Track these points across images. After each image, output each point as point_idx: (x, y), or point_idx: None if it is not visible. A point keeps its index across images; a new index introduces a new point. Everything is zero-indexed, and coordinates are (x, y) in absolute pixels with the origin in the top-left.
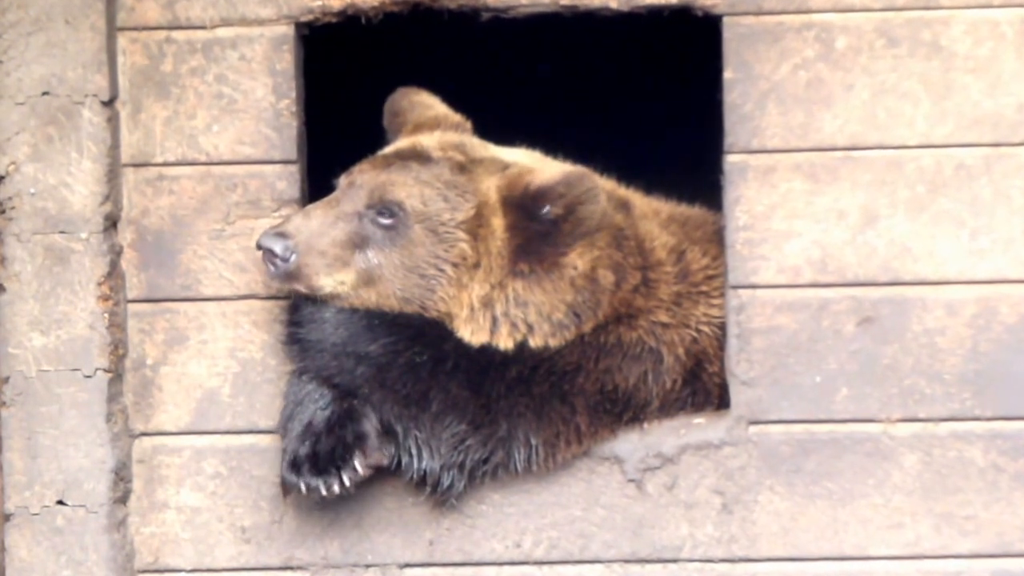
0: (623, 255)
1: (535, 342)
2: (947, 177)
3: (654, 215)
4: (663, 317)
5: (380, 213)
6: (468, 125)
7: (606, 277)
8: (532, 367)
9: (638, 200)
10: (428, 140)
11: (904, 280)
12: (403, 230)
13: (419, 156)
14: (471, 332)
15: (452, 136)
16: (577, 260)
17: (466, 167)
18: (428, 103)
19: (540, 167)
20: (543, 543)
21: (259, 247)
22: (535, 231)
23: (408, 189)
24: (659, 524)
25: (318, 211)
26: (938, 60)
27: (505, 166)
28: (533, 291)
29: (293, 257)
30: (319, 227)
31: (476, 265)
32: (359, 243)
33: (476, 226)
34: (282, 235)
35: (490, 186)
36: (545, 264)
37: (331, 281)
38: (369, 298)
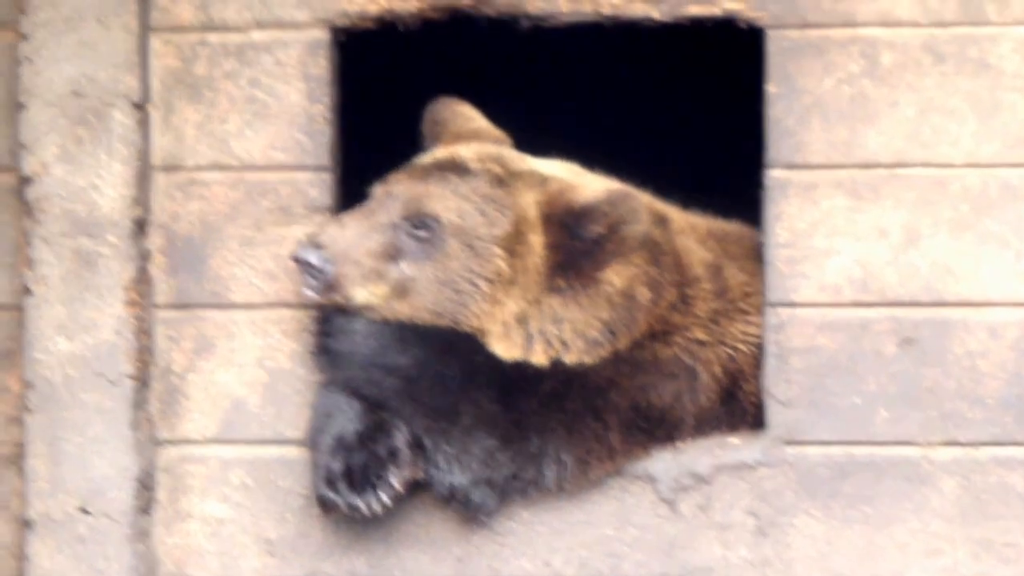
0: (660, 271)
1: (569, 359)
2: (992, 197)
3: (692, 230)
4: (699, 334)
5: (415, 225)
6: (507, 140)
7: (643, 294)
8: (564, 382)
9: (675, 215)
10: (466, 151)
11: (946, 301)
12: (438, 243)
13: (457, 167)
14: (505, 348)
15: (491, 148)
16: (614, 277)
17: (504, 180)
18: (469, 115)
19: (580, 183)
20: (573, 562)
21: (295, 259)
22: (575, 248)
23: (445, 202)
24: (692, 545)
25: (353, 221)
26: (985, 78)
27: (544, 180)
28: (569, 308)
29: (330, 268)
30: (354, 238)
31: (512, 281)
32: (394, 255)
33: (514, 242)
34: (318, 246)
35: (529, 201)
36: (582, 280)
37: (365, 293)
38: (402, 311)
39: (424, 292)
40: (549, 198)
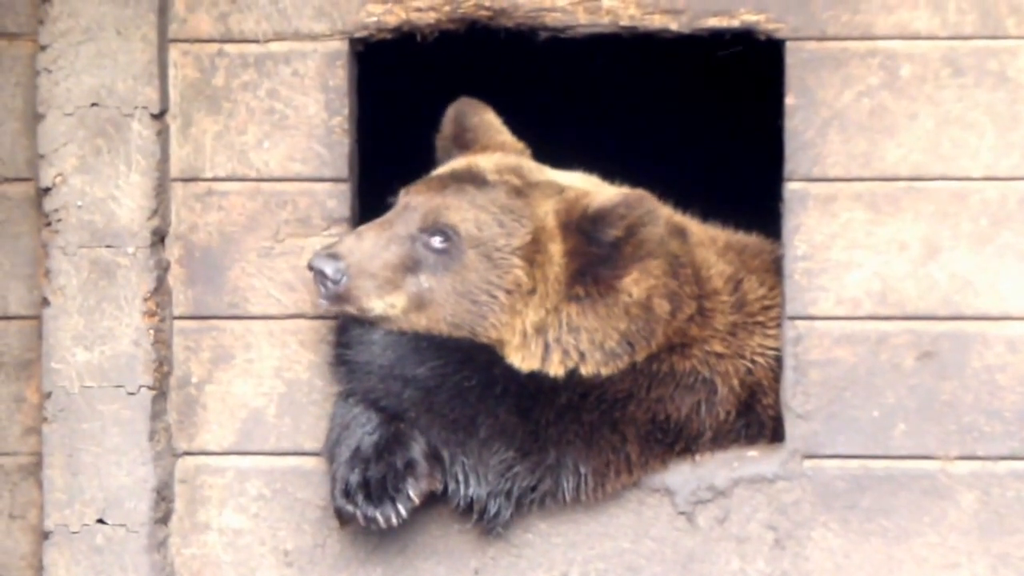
0: (679, 284)
1: (586, 370)
2: (1011, 210)
3: (711, 243)
4: (718, 347)
5: (433, 237)
6: (527, 151)
7: (661, 306)
8: (582, 394)
9: (695, 227)
10: (485, 162)
11: (965, 315)
12: (456, 255)
13: (475, 179)
14: (522, 359)
15: (509, 158)
16: (632, 287)
17: (523, 191)
18: (497, 127)
19: (597, 191)
20: (590, 575)
21: (310, 268)
22: (594, 255)
23: (463, 213)
24: (709, 558)
25: (371, 232)
26: (1004, 91)
27: (561, 189)
28: (587, 316)
29: (344, 279)
30: (371, 249)
31: (531, 292)
32: (411, 266)
33: (532, 252)
34: (334, 256)
35: (547, 211)
36: (600, 288)
37: (381, 304)
38: (419, 322)
39: (442, 304)
40: (566, 205)
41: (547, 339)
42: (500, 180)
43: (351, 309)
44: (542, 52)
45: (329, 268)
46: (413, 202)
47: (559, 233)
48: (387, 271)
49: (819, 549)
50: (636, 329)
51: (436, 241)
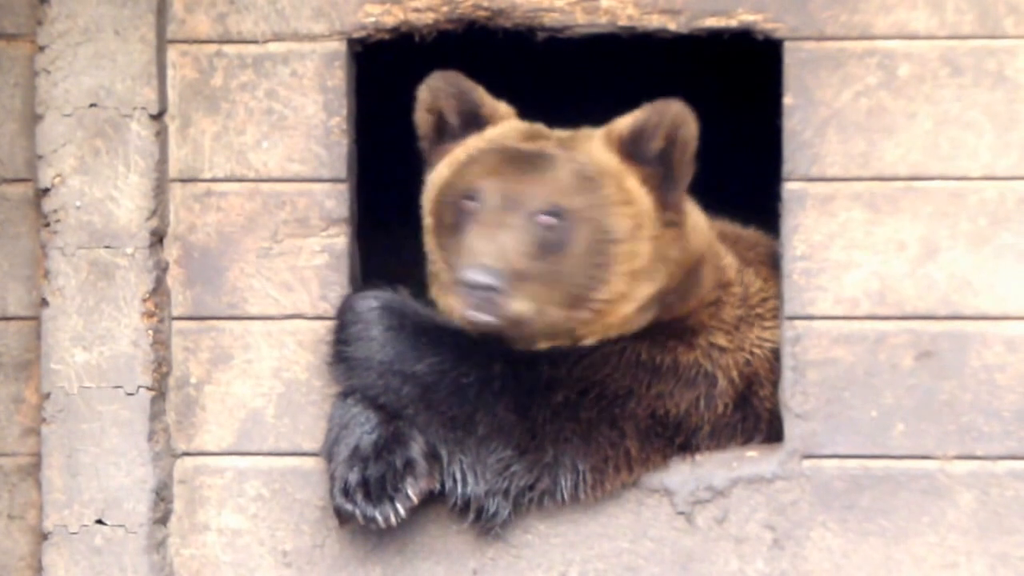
0: (714, 266)
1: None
2: (1010, 210)
3: (721, 236)
4: (722, 340)
5: (547, 218)
6: (515, 113)
7: (707, 275)
8: (581, 391)
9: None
10: (524, 132)
11: (964, 314)
12: (571, 230)
13: (543, 157)
14: (624, 311)
15: (531, 125)
16: (692, 219)
17: (575, 147)
18: (485, 96)
19: (600, 128)
20: (589, 575)
21: (467, 283)
22: (655, 175)
23: (564, 190)
24: (708, 558)
25: (501, 232)
26: (1003, 90)
27: (589, 135)
28: (676, 244)
29: (504, 285)
30: (513, 250)
31: (638, 229)
32: (536, 255)
33: (622, 197)
34: (484, 267)
35: (601, 154)
36: (677, 213)
37: (530, 305)
38: (548, 314)
39: (566, 282)
40: (608, 141)
41: (655, 269)
42: (554, 145)
43: (511, 315)
44: (541, 52)
45: (495, 280)
46: (508, 190)
47: (625, 167)
48: (525, 264)
49: (818, 549)
50: (694, 273)
51: (551, 222)
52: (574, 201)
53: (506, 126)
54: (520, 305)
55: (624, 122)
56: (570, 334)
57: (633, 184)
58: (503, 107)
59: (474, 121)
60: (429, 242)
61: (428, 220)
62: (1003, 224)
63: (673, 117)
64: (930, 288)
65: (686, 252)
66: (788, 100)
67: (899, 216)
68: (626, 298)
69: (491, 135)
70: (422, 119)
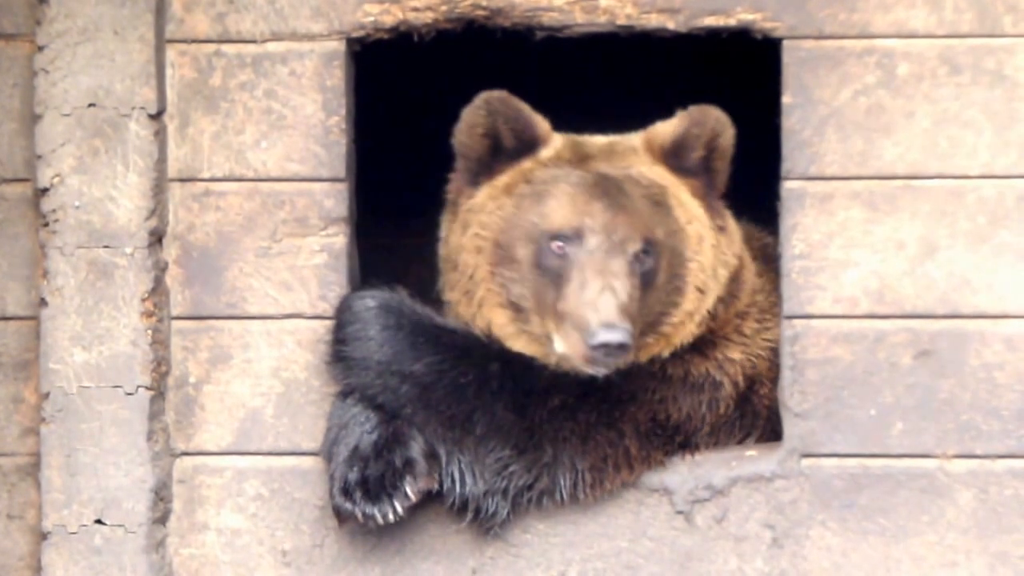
0: (749, 269)
1: (720, 313)
2: (1009, 208)
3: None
4: (736, 354)
5: (641, 255)
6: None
7: (747, 279)
8: (581, 394)
9: None
10: (572, 153)
11: (963, 313)
12: (658, 260)
13: (611, 183)
14: (696, 313)
15: (569, 140)
16: (735, 231)
17: (629, 163)
18: (533, 116)
19: (639, 136)
20: (588, 574)
21: (604, 344)
22: (702, 183)
23: (644, 220)
24: (708, 557)
25: (616, 282)
26: (1001, 89)
27: (632, 147)
28: (728, 245)
29: (632, 340)
30: (629, 298)
31: (700, 242)
32: (640, 294)
33: (683, 213)
34: (613, 326)
35: (652, 168)
36: (723, 219)
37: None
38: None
39: (648, 311)
40: (653, 156)
41: (716, 278)
42: (610, 165)
43: (628, 360)
44: (539, 51)
45: (626, 337)
46: (612, 229)
47: (676, 180)
48: (636, 308)
49: (817, 548)
50: (738, 277)
51: (645, 258)
52: (658, 232)
53: (555, 147)
54: (634, 350)
55: (663, 132)
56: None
57: (687, 197)
58: (545, 123)
59: (527, 143)
60: (481, 270)
61: (486, 251)
62: (1002, 223)
63: (713, 125)
64: (929, 287)
65: (734, 255)
66: (787, 99)
67: (898, 215)
68: (692, 316)
69: (545, 158)
70: (477, 144)
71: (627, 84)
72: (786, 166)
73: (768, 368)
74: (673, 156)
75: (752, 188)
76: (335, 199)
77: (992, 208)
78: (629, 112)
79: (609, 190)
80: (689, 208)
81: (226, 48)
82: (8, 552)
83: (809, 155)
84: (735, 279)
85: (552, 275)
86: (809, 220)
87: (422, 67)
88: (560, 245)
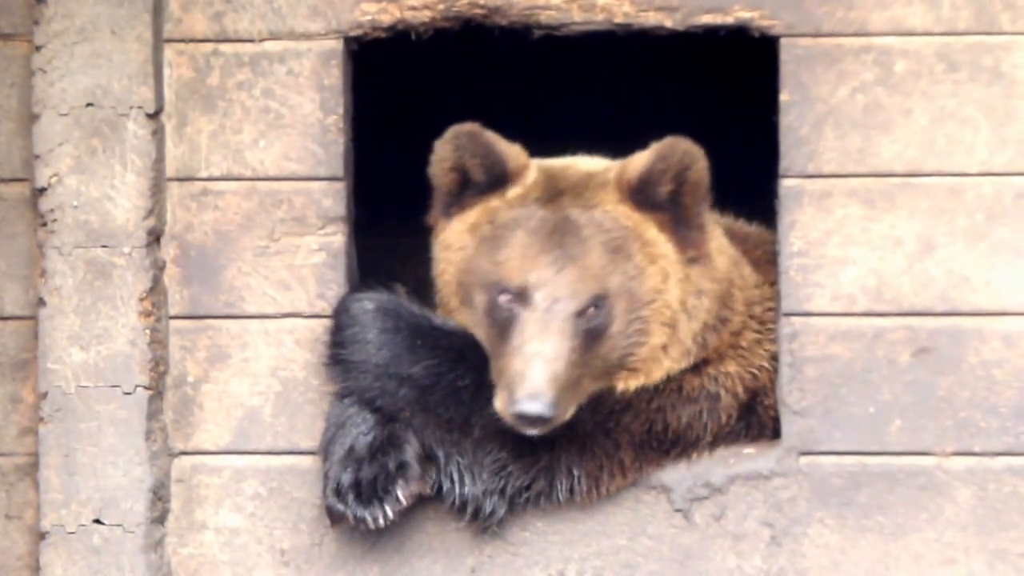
0: (741, 288)
1: (708, 345)
2: (1007, 206)
3: (727, 232)
4: (732, 367)
5: (592, 313)
6: (526, 154)
7: (737, 299)
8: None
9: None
10: (540, 191)
11: (961, 310)
12: (610, 311)
13: (569, 230)
14: (667, 354)
15: (541, 175)
16: (717, 257)
17: (591, 203)
18: (507, 148)
19: (610, 162)
20: (587, 572)
21: (521, 416)
22: (672, 218)
23: (601, 274)
24: (706, 555)
25: (547, 346)
26: (999, 86)
27: (603, 179)
28: (703, 277)
29: (557, 412)
30: (565, 364)
31: (665, 280)
32: (584, 349)
33: (648, 252)
34: (536, 396)
35: (617, 207)
36: (696, 251)
37: (574, 405)
38: (587, 393)
39: (606, 356)
40: (619, 190)
41: (688, 311)
42: (575, 204)
43: (557, 425)
44: (537, 50)
45: (547, 410)
46: (552, 290)
47: (642, 217)
48: (573, 371)
49: (815, 545)
50: (727, 300)
51: (593, 313)
52: (611, 282)
53: (525, 183)
54: (566, 412)
55: (632, 169)
56: (611, 389)
57: (653, 234)
58: (521, 156)
59: (498, 177)
60: (452, 302)
61: (451, 287)
62: (1000, 220)
63: (680, 158)
64: (927, 284)
65: (716, 280)
66: (784, 97)
67: (896, 212)
68: (666, 349)
69: (512, 196)
70: (445, 177)
71: (626, 83)
72: (784, 164)
73: (770, 379)
74: (639, 192)
75: (765, 187)
76: (333, 198)
77: (990, 205)
78: (629, 111)
79: (564, 240)
80: (654, 246)
81: (224, 47)
82: (6, 552)
83: (807, 153)
84: (723, 303)
85: (499, 327)
86: (807, 218)
87: (420, 66)
88: (508, 299)
